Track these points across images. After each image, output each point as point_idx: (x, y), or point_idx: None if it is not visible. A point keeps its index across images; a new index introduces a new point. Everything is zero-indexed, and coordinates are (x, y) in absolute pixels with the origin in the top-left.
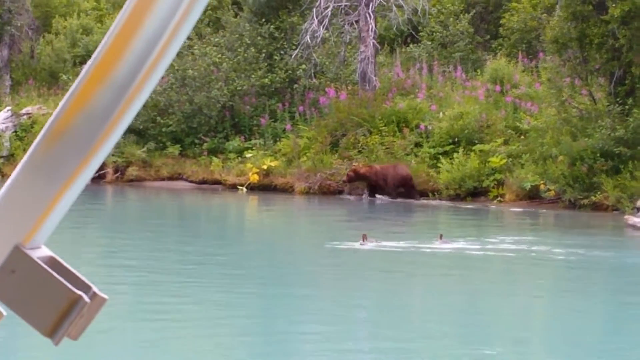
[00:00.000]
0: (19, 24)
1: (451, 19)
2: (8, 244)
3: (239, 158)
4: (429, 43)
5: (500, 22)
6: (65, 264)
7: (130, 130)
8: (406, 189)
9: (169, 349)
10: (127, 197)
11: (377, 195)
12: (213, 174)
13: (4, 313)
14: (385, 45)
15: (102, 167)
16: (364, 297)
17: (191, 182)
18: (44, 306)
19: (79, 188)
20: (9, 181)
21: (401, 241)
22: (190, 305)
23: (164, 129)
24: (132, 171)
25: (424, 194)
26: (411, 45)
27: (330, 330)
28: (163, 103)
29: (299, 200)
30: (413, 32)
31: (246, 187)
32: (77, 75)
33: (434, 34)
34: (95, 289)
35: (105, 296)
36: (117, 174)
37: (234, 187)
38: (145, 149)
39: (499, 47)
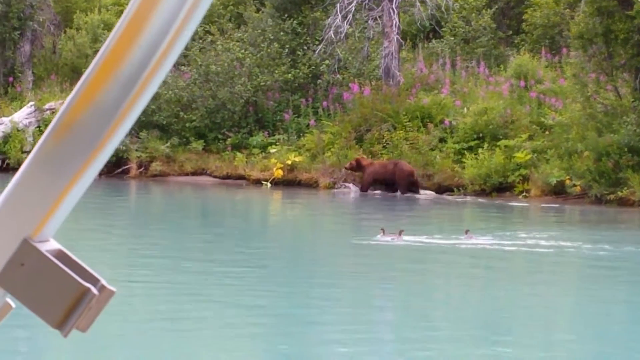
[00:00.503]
0: (40, 19)
1: (473, 15)
2: (17, 237)
3: (263, 153)
4: (452, 38)
5: (523, 17)
6: (73, 257)
7: (153, 126)
8: (410, 184)
9: (187, 344)
10: (151, 192)
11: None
12: (237, 169)
13: (13, 305)
14: (408, 40)
15: (126, 162)
16: (391, 292)
17: (215, 177)
18: (52, 298)
19: (87, 181)
20: (17, 175)
21: (429, 236)
22: (212, 304)
23: (187, 124)
24: (155, 166)
25: (448, 189)
26: (433, 41)
27: (357, 328)
28: (186, 98)
29: (324, 195)
30: (436, 27)
31: (270, 183)
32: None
33: (457, 29)
34: (103, 281)
35: (114, 289)
36: (141, 169)
37: (258, 182)
38: (168, 144)
39: (522, 43)
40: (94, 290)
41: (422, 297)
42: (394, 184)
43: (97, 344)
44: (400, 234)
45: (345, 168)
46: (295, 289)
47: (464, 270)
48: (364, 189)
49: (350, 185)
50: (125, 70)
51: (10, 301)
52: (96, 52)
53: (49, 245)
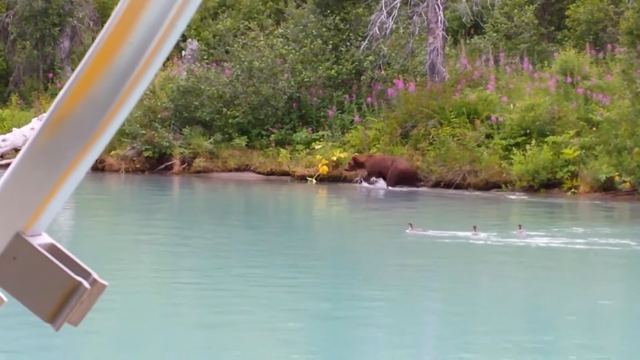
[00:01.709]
0: (80, 16)
1: (515, 10)
2: (9, 231)
3: (307, 149)
4: (494, 34)
5: (566, 13)
6: (65, 251)
7: (196, 122)
8: (406, 180)
9: (232, 340)
10: (195, 188)
11: (374, 184)
12: (281, 166)
13: (5, 299)
14: (449, 36)
15: (169, 158)
16: (439, 287)
17: (259, 173)
18: (44, 292)
19: (80, 176)
20: (10, 169)
21: (486, 232)
22: (255, 307)
23: (230, 121)
24: (199, 162)
25: (496, 186)
26: (475, 37)
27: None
28: (229, 94)
29: (368, 192)
30: (481, 23)
31: (315, 179)
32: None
33: (499, 25)
34: (95, 275)
35: (105, 282)
36: (184, 165)
37: (302, 178)
38: (212, 140)
39: (565, 39)
40: (86, 284)
41: (491, 297)
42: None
43: (136, 340)
44: (425, 230)
45: (346, 170)
46: (344, 289)
47: (521, 268)
48: (367, 181)
49: (380, 179)
50: (117, 65)
51: (3, 295)
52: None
53: (42, 240)
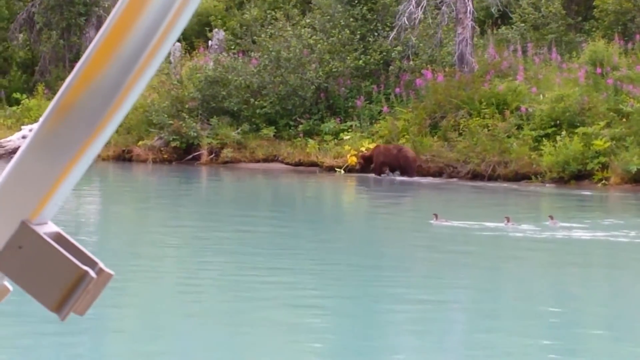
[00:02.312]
0: (106, 5)
1: (543, 1)
2: (15, 220)
3: (335, 140)
4: (522, 25)
5: (594, 3)
6: (71, 240)
7: (224, 112)
8: (407, 169)
9: (257, 332)
10: (223, 179)
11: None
12: (309, 156)
13: (11, 288)
14: (476, 27)
15: (197, 148)
16: (466, 280)
17: (287, 164)
18: (50, 281)
19: (85, 164)
20: (16, 157)
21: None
22: (280, 297)
23: (257, 111)
24: (226, 153)
25: (526, 177)
26: (502, 27)
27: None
28: (256, 84)
29: (399, 182)
30: (509, 13)
31: (344, 170)
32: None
33: (527, 15)
34: (101, 264)
35: (112, 272)
36: (212, 156)
37: (331, 169)
38: (239, 130)
39: (593, 30)
40: (92, 273)
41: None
42: (399, 168)
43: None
44: (448, 220)
45: (358, 170)
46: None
47: (553, 260)
48: (377, 172)
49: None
50: (124, 53)
51: (8, 284)
52: None
53: (47, 228)
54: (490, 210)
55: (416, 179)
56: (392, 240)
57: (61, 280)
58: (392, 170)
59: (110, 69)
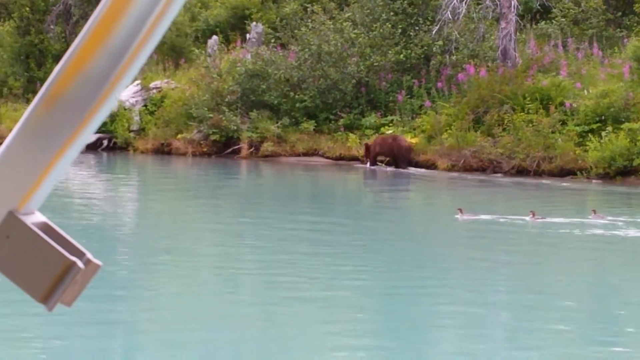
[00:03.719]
0: None
1: None
2: (2, 210)
3: (376, 134)
4: (563, 20)
5: None
6: (59, 230)
7: (263, 105)
8: (401, 158)
9: (292, 325)
10: (263, 173)
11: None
12: (350, 150)
13: None
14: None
15: (236, 142)
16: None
17: (327, 158)
18: (37, 272)
19: (74, 154)
20: (3, 146)
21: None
22: (316, 294)
23: (297, 104)
24: (267, 147)
25: (571, 173)
26: (542, 22)
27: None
28: (296, 78)
29: (442, 177)
30: (553, 8)
31: (386, 164)
32: (200, 49)
33: (568, 10)
34: (89, 255)
35: (100, 262)
36: (252, 150)
37: (373, 163)
38: (279, 124)
39: (634, 25)
40: (80, 264)
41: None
42: (393, 157)
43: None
44: (475, 214)
45: (363, 159)
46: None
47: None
48: (371, 163)
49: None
50: (114, 42)
51: None
52: (195, 30)
53: (35, 218)
54: (532, 205)
55: (401, 169)
56: (434, 236)
57: (49, 270)
58: (389, 161)
59: (100, 58)
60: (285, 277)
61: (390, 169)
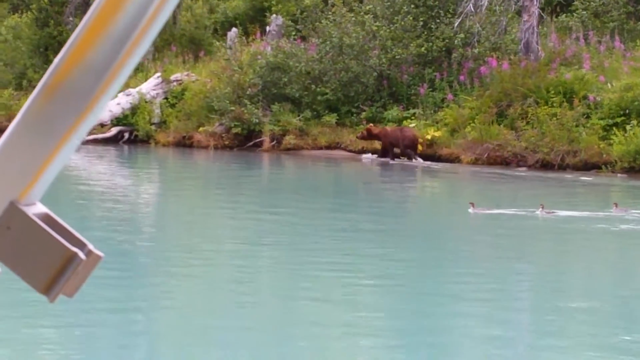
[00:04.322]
0: None
1: None
2: (3, 201)
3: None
4: (584, 12)
5: None
6: (60, 221)
7: (285, 98)
8: (412, 150)
9: (311, 323)
10: (284, 165)
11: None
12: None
13: (0, 269)
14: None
15: (258, 135)
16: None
17: (350, 151)
18: (39, 263)
19: (75, 144)
20: (4, 136)
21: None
22: (331, 292)
23: (318, 97)
24: (289, 140)
25: (596, 167)
26: (563, 15)
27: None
28: (317, 71)
29: (464, 170)
30: (575, 1)
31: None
32: (219, 41)
33: (589, 3)
34: (90, 246)
35: (101, 253)
36: (274, 143)
37: (395, 156)
38: (301, 117)
39: None
40: (81, 254)
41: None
42: (401, 148)
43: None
44: (489, 208)
45: (357, 137)
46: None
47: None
48: (387, 155)
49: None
50: (114, 32)
51: None
52: (215, 22)
53: (36, 209)
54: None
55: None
56: (452, 232)
57: (50, 261)
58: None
59: (100, 48)
60: (306, 273)
61: (374, 156)
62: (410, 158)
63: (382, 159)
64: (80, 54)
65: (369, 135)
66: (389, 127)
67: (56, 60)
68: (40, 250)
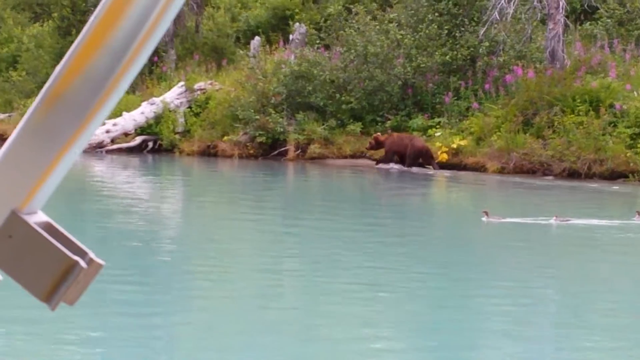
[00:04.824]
0: None
1: None
2: (5, 209)
3: (424, 136)
4: (609, 20)
5: None
6: (61, 230)
7: (309, 107)
8: (424, 160)
9: (335, 327)
10: (309, 174)
11: (391, 165)
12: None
13: (1, 278)
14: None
15: (283, 144)
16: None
17: (374, 160)
18: (40, 271)
19: (76, 153)
20: (5, 146)
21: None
22: (352, 300)
23: (343, 106)
24: (314, 149)
25: (622, 175)
26: (587, 23)
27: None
28: (342, 80)
29: (490, 179)
30: (601, 9)
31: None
32: (242, 50)
33: (613, 11)
34: (91, 254)
35: (102, 262)
36: (298, 151)
37: (420, 165)
38: (325, 126)
39: None
40: (82, 263)
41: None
42: (407, 156)
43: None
44: (502, 217)
45: (366, 148)
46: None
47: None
48: (385, 161)
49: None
50: (115, 41)
51: None
52: (237, 31)
53: (37, 218)
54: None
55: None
56: (478, 240)
57: (51, 269)
58: (401, 159)
59: (102, 57)
60: (329, 280)
61: (398, 166)
62: (423, 166)
63: (384, 166)
64: (81, 64)
65: (377, 144)
66: (397, 134)
67: (56, 70)
68: (42, 258)
